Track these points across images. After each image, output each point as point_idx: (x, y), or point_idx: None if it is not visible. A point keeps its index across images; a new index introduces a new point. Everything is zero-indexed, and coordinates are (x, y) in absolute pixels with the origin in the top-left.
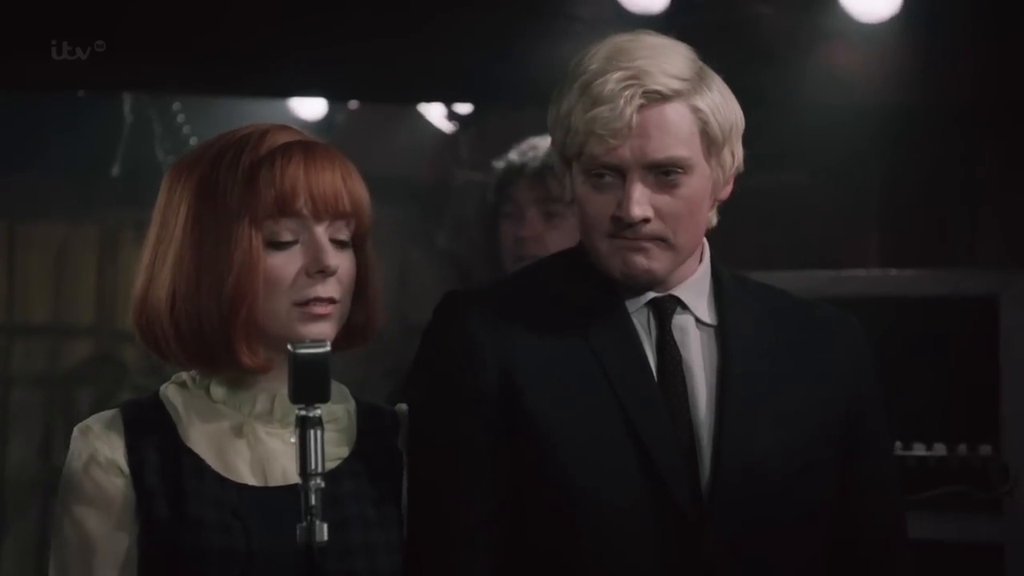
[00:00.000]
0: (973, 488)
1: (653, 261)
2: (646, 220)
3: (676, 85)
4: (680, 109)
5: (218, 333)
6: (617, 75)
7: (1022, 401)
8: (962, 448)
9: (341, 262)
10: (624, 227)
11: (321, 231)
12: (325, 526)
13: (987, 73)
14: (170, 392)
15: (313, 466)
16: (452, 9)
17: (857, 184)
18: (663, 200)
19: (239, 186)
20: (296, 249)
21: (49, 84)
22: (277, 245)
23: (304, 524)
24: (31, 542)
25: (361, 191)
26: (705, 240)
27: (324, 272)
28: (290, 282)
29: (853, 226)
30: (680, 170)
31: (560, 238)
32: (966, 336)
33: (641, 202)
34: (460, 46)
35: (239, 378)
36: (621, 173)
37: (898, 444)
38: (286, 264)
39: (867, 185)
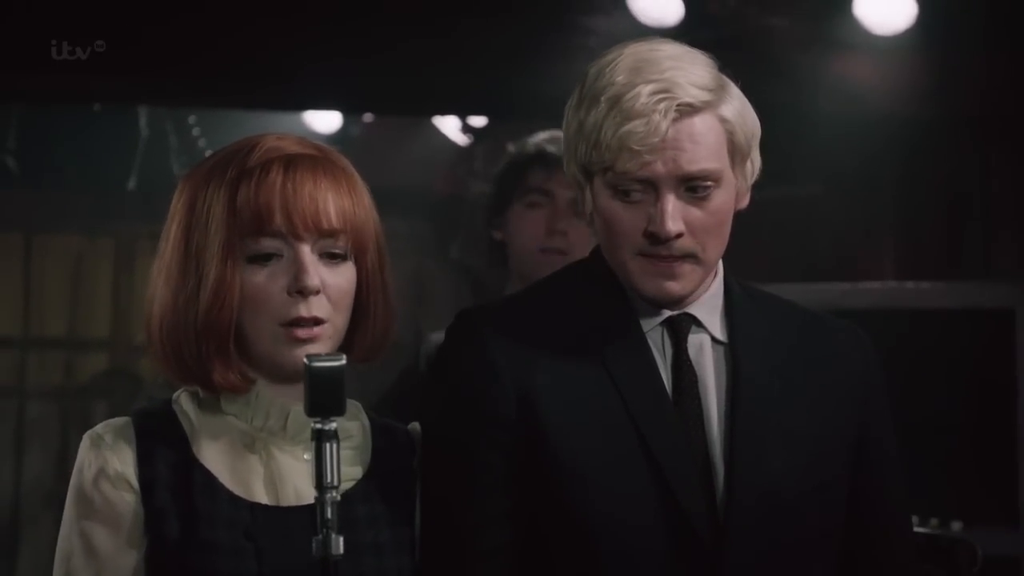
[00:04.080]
0: (938, 568)
1: (685, 283)
2: (679, 235)
3: (705, 96)
4: (709, 120)
5: (193, 351)
6: (648, 88)
7: None
8: (933, 522)
9: (332, 279)
10: (656, 243)
11: (306, 249)
12: (341, 539)
13: (1002, 85)
14: (183, 401)
15: (329, 479)
16: (467, 22)
17: (872, 196)
18: (694, 214)
19: (221, 202)
20: (280, 265)
21: (54, 90)
22: (259, 262)
23: (320, 537)
24: (47, 553)
25: (352, 205)
26: None
27: (303, 293)
28: (273, 301)
29: (868, 238)
30: (712, 183)
31: None
32: (982, 349)
33: (675, 217)
34: (475, 59)
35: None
36: (652, 188)
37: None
38: (268, 282)
39: (882, 197)
